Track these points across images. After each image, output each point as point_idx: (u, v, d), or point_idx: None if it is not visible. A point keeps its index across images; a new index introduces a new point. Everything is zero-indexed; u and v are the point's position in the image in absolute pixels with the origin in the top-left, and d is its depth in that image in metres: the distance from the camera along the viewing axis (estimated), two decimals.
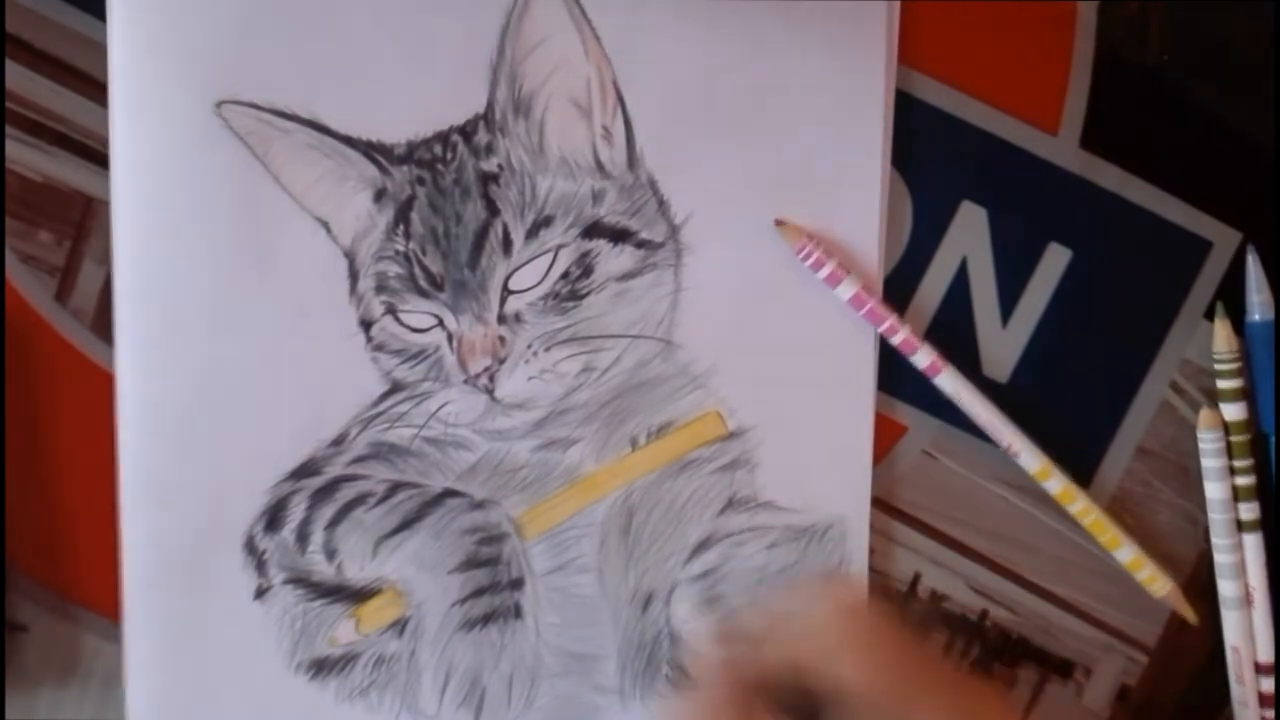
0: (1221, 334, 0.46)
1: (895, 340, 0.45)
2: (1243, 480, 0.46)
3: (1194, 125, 0.47)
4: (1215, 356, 0.46)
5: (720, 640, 0.44)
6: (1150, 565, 0.46)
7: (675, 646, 0.45)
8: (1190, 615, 0.47)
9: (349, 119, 0.42)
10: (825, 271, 0.44)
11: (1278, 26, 0.46)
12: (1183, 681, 0.48)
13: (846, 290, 0.44)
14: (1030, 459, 0.45)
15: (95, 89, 0.42)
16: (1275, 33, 0.46)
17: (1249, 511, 0.46)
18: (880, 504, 0.46)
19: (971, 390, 0.45)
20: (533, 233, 0.43)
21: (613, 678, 0.45)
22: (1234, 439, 0.46)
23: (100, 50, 0.41)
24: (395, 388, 0.43)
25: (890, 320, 0.45)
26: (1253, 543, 0.47)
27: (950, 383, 0.45)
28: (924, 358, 0.45)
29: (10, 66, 0.42)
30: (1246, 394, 0.46)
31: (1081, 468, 0.46)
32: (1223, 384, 0.46)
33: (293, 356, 0.43)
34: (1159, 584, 0.46)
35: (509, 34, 0.43)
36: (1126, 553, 0.46)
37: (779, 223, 0.44)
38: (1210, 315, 0.47)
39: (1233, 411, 0.46)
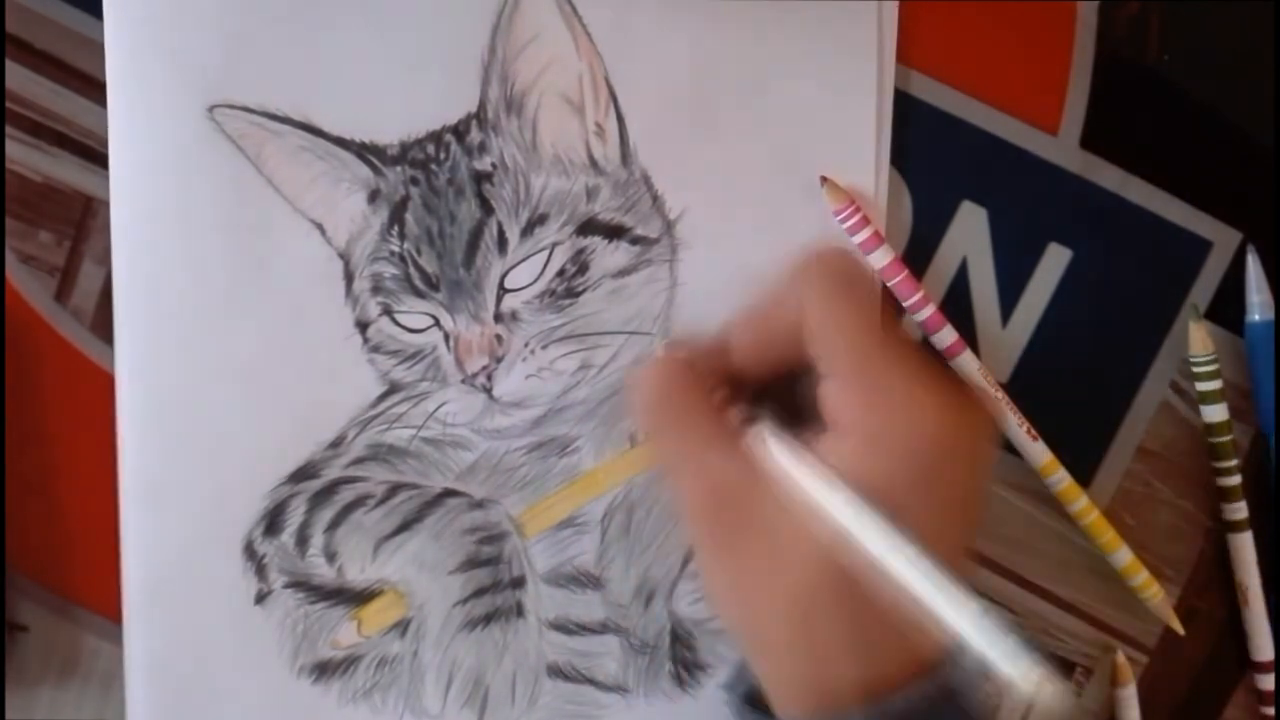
0: (1198, 336, 0.46)
1: (920, 316, 0.44)
2: (1229, 480, 0.46)
3: (1194, 125, 0.46)
4: (1192, 359, 0.46)
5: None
6: (1144, 571, 0.46)
7: (678, 643, 0.45)
8: (1177, 626, 0.47)
9: (341, 120, 0.42)
10: (862, 236, 0.44)
11: (1278, 26, 0.46)
12: (1183, 682, 0.48)
13: (881, 259, 0.44)
14: (1035, 453, 0.45)
15: (95, 89, 0.42)
16: (1275, 33, 0.46)
17: (1237, 512, 0.46)
18: None
19: (986, 375, 0.45)
20: (527, 231, 0.43)
21: (616, 675, 0.45)
22: (1217, 440, 0.46)
23: (100, 50, 0.41)
24: (393, 389, 0.43)
25: (919, 294, 0.44)
26: (1242, 542, 0.46)
27: (968, 365, 0.45)
28: (946, 337, 0.44)
29: (10, 66, 0.42)
30: (1226, 395, 0.46)
31: (1081, 468, 0.46)
32: (1202, 386, 0.46)
33: (289, 359, 0.43)
34: (1151, 591, 0.46)
35: (500, 32, 0.42)
36: (1122, 556, 0.46)
37: (824, 179, 0.44)
38: (1210, 315, 0.47)
39: (1213, 413, 0.46)
